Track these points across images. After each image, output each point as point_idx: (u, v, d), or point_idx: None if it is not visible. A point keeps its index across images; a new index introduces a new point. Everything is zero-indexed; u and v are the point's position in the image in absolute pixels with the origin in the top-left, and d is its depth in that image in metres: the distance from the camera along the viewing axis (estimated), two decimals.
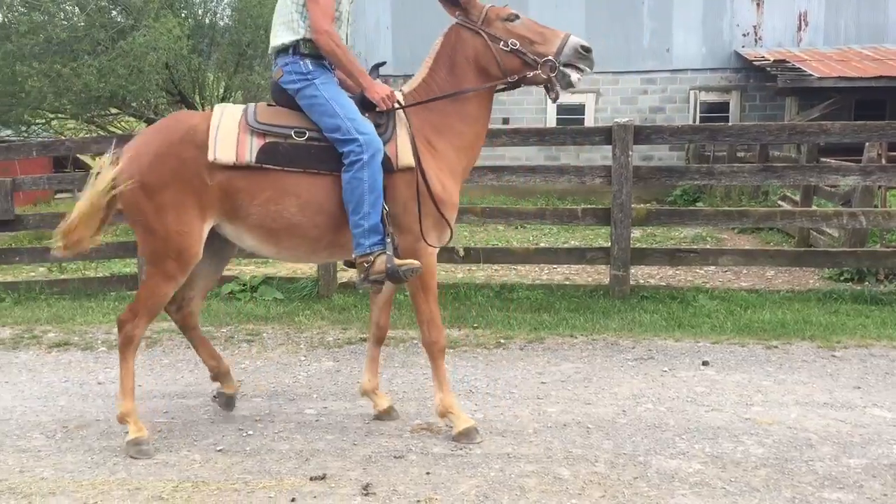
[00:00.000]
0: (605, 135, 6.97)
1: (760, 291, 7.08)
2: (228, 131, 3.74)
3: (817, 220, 7.46)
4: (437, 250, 4.01)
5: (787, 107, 15.92)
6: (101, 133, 14.70)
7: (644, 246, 8.82)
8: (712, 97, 17.45)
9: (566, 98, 17.85)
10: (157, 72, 12.73)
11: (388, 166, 3.78)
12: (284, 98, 3.89)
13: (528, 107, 17.87)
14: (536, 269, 9.18)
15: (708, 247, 9.56)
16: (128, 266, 9.33)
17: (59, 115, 14.81)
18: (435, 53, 4.02)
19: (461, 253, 7.20)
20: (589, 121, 17.51)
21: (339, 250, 3.98)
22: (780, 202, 11.45)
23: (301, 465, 3.65)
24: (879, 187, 7.87)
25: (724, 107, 17.40)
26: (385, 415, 4.22)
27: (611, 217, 6.87)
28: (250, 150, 3.72)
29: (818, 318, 6.12)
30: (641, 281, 8.12)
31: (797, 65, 14.83)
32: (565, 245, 10.79)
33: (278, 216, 3.77)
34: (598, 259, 7.21)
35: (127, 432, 3.86)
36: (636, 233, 9.79)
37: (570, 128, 8.78)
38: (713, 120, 16.48)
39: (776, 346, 5.46)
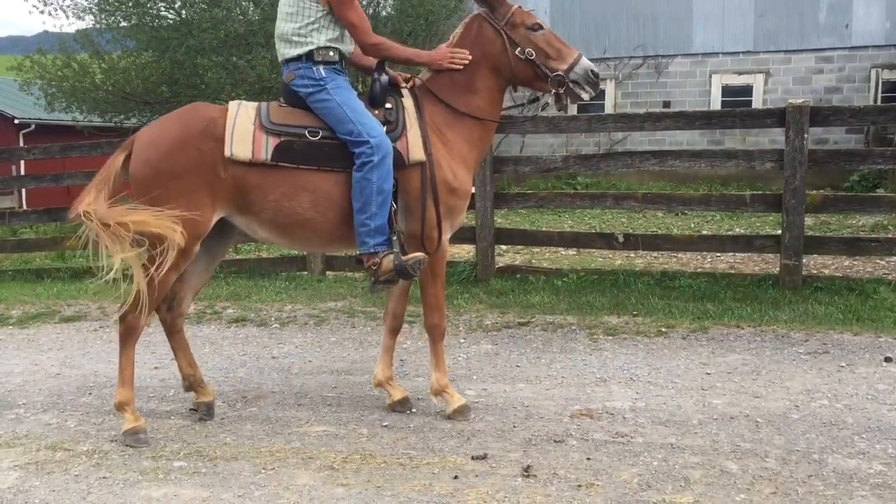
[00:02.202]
0: (777, 117, 6.61)
1: None
2: (245, 129, 3.81)
3: None
4: (449, 238, 4.10)
5: None
6: None
7: (818, 234, 8.32)
8: None
9: (732, 79, 17.12)
10: None
11: (400, 161, 3.86)
12: (295, 99, 3.96)
13: (691, 89, 17.25)
14: (698, 257, 8.88)
15: (891, 236, 8.90)
16: None
17: None
18: (454, 42, 4.09)
19: (620, 239, 7.08)
20: (757, 103, 16.68)
21: (351, 242, 4.01)
22: None
23: (462, 444, 3.73)
24: None
25: None
26: (399, 406, 4.22)
27: (782, 203, 6.52)
28: (266, 148, 3.80)
29: None
30: (814, 271, 7.67)
31: None
32: (730, 232, 10.36)
33: (291, 211, 3.86)
34: (767, 247, 6.87)
35: (124, 421, 3.90)
36: (808, 220, 9.20)
37: (740, 110, 8.41)
38: None
39: None
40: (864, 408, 4.05)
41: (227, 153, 3.77)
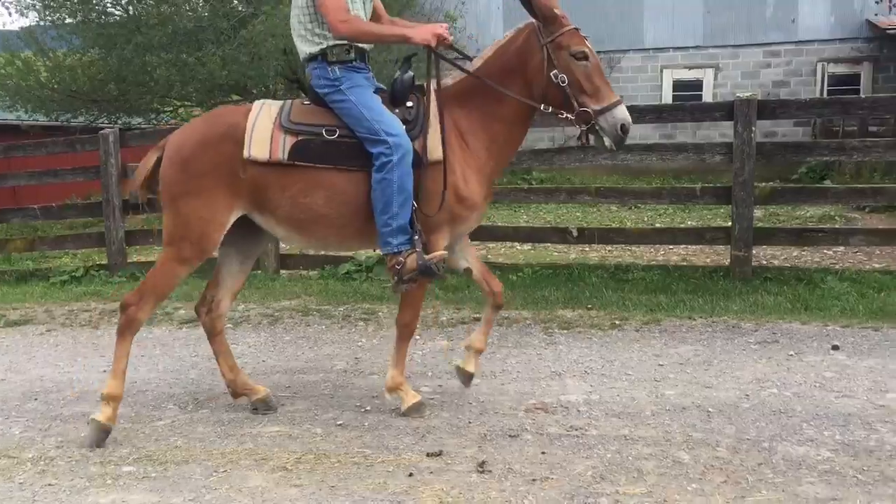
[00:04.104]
0: (726, 111, 6.71)
1: (895, 273, 6.68)
2: (264, 129, 3.82)
3: None
4: (445, 243, 3.96)
5: None
6: None
7: (766, 226, 8.46)
8: (841, 69, 16.54)
9: (683, 74, 17.33)
10: (275, 58, 13.08)
11: (418, 161, 3.81)
12: (317, 97, 3.96)
13: (643, 84, 17.43)
14: (651, 249, 8.98)
15: (837, 226, 9.10)
16: None
17: (186, 103, 15.46)
18: (500, 45, 3.98)
19: (575, 233, 7.12)
20: (707, 97, 16.94)
21: (368, 240, 4.03)
22: None
23: (418, 442, 3.71)
24: None
25: (854, 79, 16.46)
26: (460, 374, 4.30)
27: (732, 196, 6.62)
28: (283, 147, 3.80)
29: None
30: (764, 262, 7.81)
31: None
32: (682, 225, 10.49)
33: (307, 209, 3.85)
34: (718, 239, 6.97)
35: (97, 412, 3.84)
36: (758, 212, 9.37)
37: (690, 104, 8.54)
38: (842, 93, 15.60)
39: None
40: (813, 395, 4.12)
41: (245, 154, 3.79)
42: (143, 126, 16.07)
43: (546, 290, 6.60)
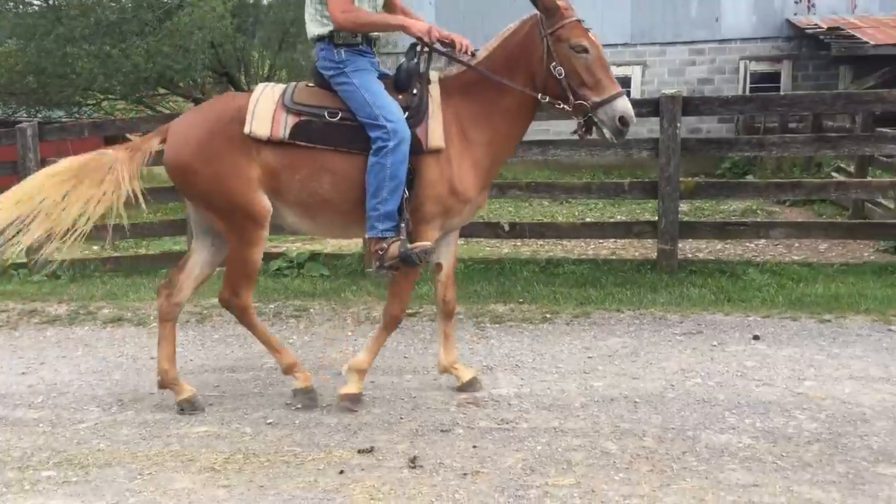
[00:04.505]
0: (652, 107, 6.84)
1: (813, 265, 6.92)
2: (266, 109, 3.86)
3: (873, 191, 7.25)
4: (436, 235, 3.99)
5: (840, 76, 15.43)
6: (150, 113, 14.91)
7: (692, 220, 8.68)
8: (763, 67, 17.03)
9: (612, 71, 17.61)
10: (202, 51, 12.83)
11: (418, 148, 3.82)
12: (322, 80, 3.99)
13: None
14: (582, 243, 9.11)
15: (758, 220, 9.38)
16: (178, 244, 9.47)
17: (110, 96, 15.03)
18: (504, 36, 3.99)
19: (506, 228, 7.17)
20: (635, 93, 17.23)
21: None
22: (833, 174, 11.16)
23: (349, 438, 3.69)
24: None
25: (775, 77, 16.98)
26: (469, 386, 4.24)
27: (658, 191, 6.76)
28: (284, 126, 3.83)
29: (873, 292, 5.96)
30: (689, 255, 8.00)
31: (851, 32, 14.39)
32: (612, 220, 10.67)
33: (314, 192, 3.89)
34: (645, 233, 7.12)
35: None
36: (684, 206, 9.62)
37: None
38: (764, 90, 16.08)
39: (829, 321, 5.34)
40: (735, 384, 4.24)
41: (245, 130, 3.82)
42: (63, 119, 15.56)
43: (478, 285, 6.63)
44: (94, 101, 15.52)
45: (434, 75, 4.03)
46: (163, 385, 4.14)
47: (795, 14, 16.64)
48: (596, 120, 3.77)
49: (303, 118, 3.86)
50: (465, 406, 4.05)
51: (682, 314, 5.65)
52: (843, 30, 14.69)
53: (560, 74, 3.77)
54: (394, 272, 3.90)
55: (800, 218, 10.02)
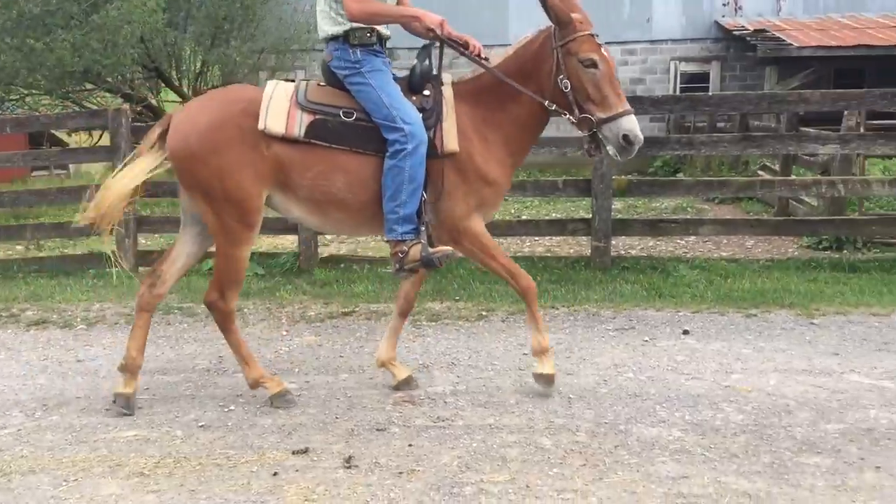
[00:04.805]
0: None
1: (740, 261, 7.12)
2: (280, 105, 3.84)
3: (796, 188, 7.49)
4: (482, 223, 4.03)
5: (766, 76, 15.91)
6: (77, 109, 14.48)
7: (625, 217, 8.83)
8: (693, 67, 17.43)
9: None
10: (131, 46, 12.51)
11: (433, 152, 3.83)
12: (334, 79, 3.96)
13: None
14: (518, 241, 9.18)
15: (688, 217, 9.60)
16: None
17: (34, 92, 14.54)
18: (521, 45, 4.00)
19: None
20: None
21: (381, 226, 4.01)
22: (759, 172, 11.49)
23: (283, 440, 3.65)
24: (858, 156, 7.90)
25: (704, 77, 17.39)
26: (405, 384, 4.24)
27: (592, 189, 6.86)
28: (299, 124, 3.81)
29: (797, 287, 6.17)
30: (623, 252, 8.13)
31: (777, 34, 14.83)
32: (547, 217, 10.78)
33: (326, 191, 3.87)
34: (579, 230, 7.22)
35: (268, 389, 4.05)
36: (617, 204, 9.81)
37: None
38: (694, 90, 16.45)
39: (755, 315, 5.50)
40: (665, 379, 4.33)
41: (260, 126, 3.78)
42: None
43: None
44: (18, 97, 14.99)
45: (447, 77, 4.03)
46: (123, 369, 4.04)
47: (723, 16, 17.07)
48: (600, 136, 3.75)
49: (318, 117, 3.84)
50: (401, 404, 4.05)
51: (616, 310, 5.74)
52: (768, 32, 15.13)
53: (566, 88, 3.76)
54: (413, 274, 3.95)
55: (728, 215, 10.28)
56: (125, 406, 4.01)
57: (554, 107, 3.84)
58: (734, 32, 15.87)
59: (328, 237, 8.99)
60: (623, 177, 8.12)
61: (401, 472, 3.28)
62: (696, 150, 7.36)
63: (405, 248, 3.81)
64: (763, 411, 3.84)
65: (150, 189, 7.83)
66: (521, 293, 4.08)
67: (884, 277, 6.34)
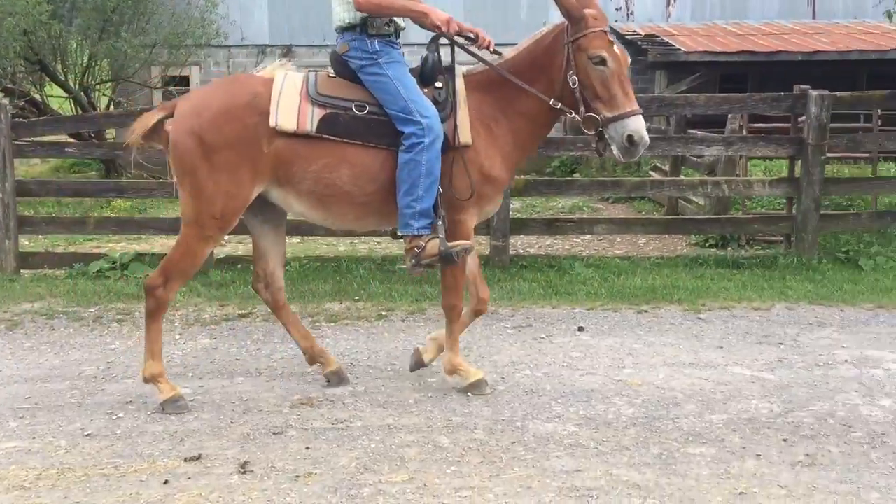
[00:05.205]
0: None
1: (632, 258, 7.34)
2: (290, 99, 3.77)
3: (684, 188, 7.78)
4: (474, 223, 4.08)
5: (657, 80, 16.47)
6: None
7: (524, 216, 8.97)
8: None
9: None
10: (14, 38, 11.91)
11: (445, 144, 3.80)
12: (346, 71, 3.92)
13: None
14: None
15: (584, 216, 9.84)
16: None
17: None
18: (534, 39, 3.98)
19: None
20: None
21: (386, 219, 4.04)
22: (651, 172, 11.89)
23: (175, 447, 3.54)
24: (741, 157, 8.28)
25: None
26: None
27: None
28: (311, 119, 3.77)
29: (685, 283, 6.41)
30: (521, 251, 8.27)
31: (666, 39, 15.36)
32: None
33: (331, 184, 3.83)
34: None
35: (160, 392, 3.94)
36: (516, 203, 9.99)
37: None
38: None
39: (646, 311, 5.69)
40: (561, 375, 4.43)
41: (271, 123, 3.73)
42: None
43: (314, 284, 6.55)
44: None
45: (459, 70, 3.98)
46: (312, 361, 4.26)
47: (616, 21, 17.55)
48: (606, 135, 3.73)
49: (329, 111, 3.79)
50: (298, 407, 4.00)
51: (514, 308, 5.83)
52: (658, 37, 15.65)
53: (573, 84, 3.73)
54: (429, 269, 3.93)
55: (621, 214, 10.59)
56: (338, 379, 4.24)
57: (560, 105, 3.84)
58: (627, 37, 16.34)
59: (225, 237, 8.77)
60: (522, 177, 8.24)
61: (297, 476, 3.24)
62: (591, 151, 7.52)
63: (422, 242, 3.79)
64: (652, 404, 3.98)
65: (34, 188, 7.58)
66: (447, 311, 4.15)
67: (764, 273, 6.67)
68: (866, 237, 7.59)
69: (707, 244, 8.13)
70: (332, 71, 4.00)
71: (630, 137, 3.65)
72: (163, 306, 3.93)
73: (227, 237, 8.87)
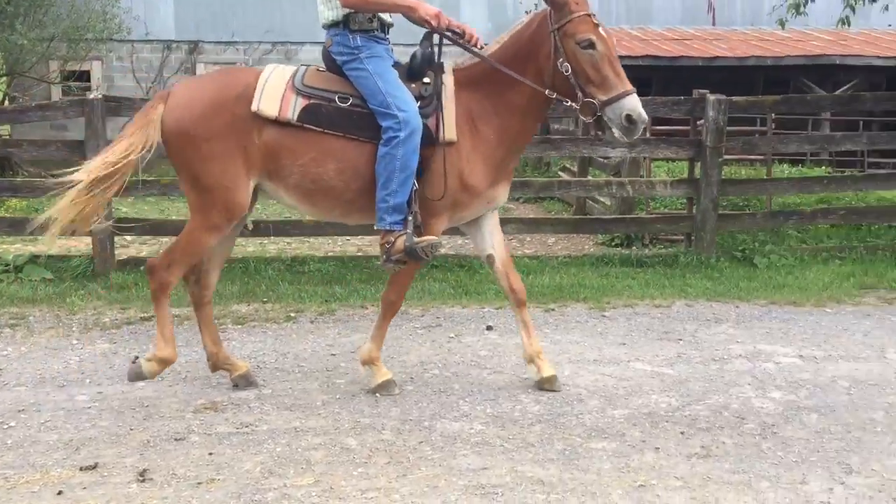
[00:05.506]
0: None
1: (541, 257, 7.47)
2: (275, 88, 3.81)
3: (590, 189, 7.96)
4: (443, 227, 4.06)
5: None
6: None
7: None
8: None
9: None
10: None
11: (431, 139, 3.74)
12: (334, 65, 3.94)
13: None
14: (329, 241, 9.11)
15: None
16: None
17: None
18: (516, 30, 3.94)
19: (250, 226, 6.99)
20: None
21: (373, 215, 3.93)
22: (560, 173, 12.11)
23: (70, 456, 3.41)
24: (644, 159, 8.52)
25: None
26: (547, 384, 4.16)
27: None
28: (293, 107, 3.78)
29: (591, 282, 6.56)
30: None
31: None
32: None
33: (318, 178, 3.84)
34: None
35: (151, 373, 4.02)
36: None
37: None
38: None
39: (553, 309, 5.80)
40: (469, 374, 4.47)
41: (253, 108, 3.76)
42: None
43: (220, 285, 6.33)
44: None
45: (448, 66, 3.94)
46: (215, 368, 4.19)
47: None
48: (604, 118, 3.72)
49: (312, 101, 3.80)
50: (202, 412, 3.91)
51: (424, 308, 5.85)
52: None
53: (567, 71, 3.71)
54: (401, 265, 3.89)
55: (531, 214, 10.75)
56: (249, 382, 4.20)
57: (555, 95, 3.81)
58: None
59: (127, 238, 8.51)
60: None
61: (199, 483, 3.17)
62: None
63: (392, 238, 3.78)
64: (557, 401, 4.06)
65: None
66: (384, 304, 4.17)
67: (666, 271, 6.89)
68: (761, 236, 7.93)
69: (613, 243, 8.35)
70: (323, 66, 4.03)
71: (629, 117, 3.65)
72: (164, 288, 3.92)
73: (129, 238, 8.65)
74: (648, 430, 3.72)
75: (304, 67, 3.99)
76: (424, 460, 3.40)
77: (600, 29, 3.72)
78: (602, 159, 9.66)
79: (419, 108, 3.80)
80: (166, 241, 8.99)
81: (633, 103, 3.66)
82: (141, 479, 3.20)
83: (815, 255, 7.44)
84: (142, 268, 6.87)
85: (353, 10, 3.84)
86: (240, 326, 5.42)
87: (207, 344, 4.19)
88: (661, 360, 4.69)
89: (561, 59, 3.72)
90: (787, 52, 15.04)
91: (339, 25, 3.90)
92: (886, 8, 10.09)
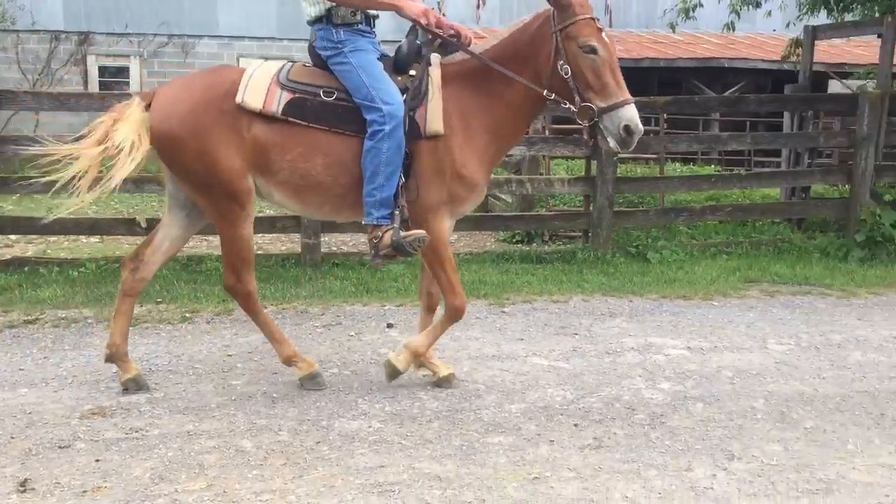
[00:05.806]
0: None
1: None
2: (260, 82, 3.79)
3: (491, 186, 8.03)
4: (451, 222, 4.06)
5: None
6: None
7: None
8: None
9: None
10: None
11: (416, 133, 3.74)
12: (320, 61, 3.92)
13: None
14: None
15: None
16: None
17: None
18: (517, 28, 3.86)
19: (143, 224, 6.79)
20: None
21: (362, 211, 3.86)
22: None
23: None
24: (544, 157, 8.69)
25: None
26: (445, 382, 4.21)
27: None
28: (278, 101, 3.76)
29: (492, 278, 6.64)
30: (334, 248, 8.24)
31: (476, 42, 15.84)
32: (259, 214, 10.60)
33: (306, 173, 3.82)
34: (288, 227, 7.19)
35: (299, 370, 4.15)
36: None
37: None
38: None
39: None
40: (368, 372, 4.46)
41: (237, 100, 3.73)
42: None
43: (112, 286, 6.17)
44: None
45: (435, 58, 3.86)
46: (110, 359, 4.06)
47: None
48: (601, 126, 3.65)
49: (297, 95, 3.78)
50: (89, 418, 3.76)
51: (324, 306, 5.80)
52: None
53: (566, 74, 3.65)
54: (390, 261, 3.91)
55: None
56: (139, 386, 4.05)
57: (553, 95, 3.75)
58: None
59: (11, 237, 8.12)
60: None
61: (85, 491, 3.05)
62: None
63: (379, 233, 3.73)
64: (456, 397, 4.09)
65: None
66: (450, 310, 4.06)
67: (564, 267, 7.05)
68: (654, 232, 8.21)
69: (514, 240, 8.48)
70: (310, 61, 4.01)
71: (627, 127, 3.61)
72: (250, 297, 4.00)
73: (13, 237, 8.25)
74: (544, 423, 3.80)
75: (290, 63, 3.99)
76: (321, 460, 3.37)
77: (603, 34, 3.70)
78: (504, 157, 9.79)
79: (405, 101, 3.76)
80: (55, 240, 8.64)
81: (632, 114, 3.63)
82: (22, 489, 3.06)
83: (703, 250, 7.75)
84: (26, 268, 6.60)
85: (335, 4, 3.82)
86: (132, 328, 5.20)
87: (115, 334, 4.06)
88: (558, 355, 4.79)
89: (561, 62, 3.69)
90: (680, 54, 15.60)
91: (322, 20, 3.89)
92: (769, 14, 10.60)
